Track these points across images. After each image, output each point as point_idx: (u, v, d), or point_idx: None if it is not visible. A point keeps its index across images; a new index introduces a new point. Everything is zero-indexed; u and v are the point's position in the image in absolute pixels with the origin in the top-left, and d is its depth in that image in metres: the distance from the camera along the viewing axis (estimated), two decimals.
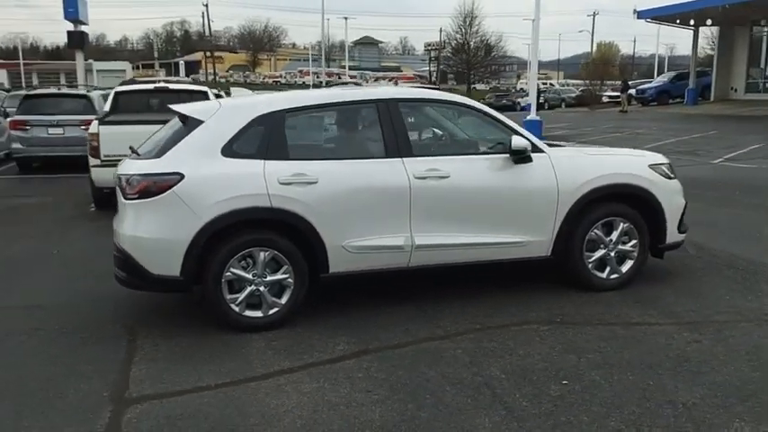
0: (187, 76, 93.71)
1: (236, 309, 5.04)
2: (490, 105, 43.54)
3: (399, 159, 5.29)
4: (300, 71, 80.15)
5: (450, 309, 5.48)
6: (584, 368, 4.33)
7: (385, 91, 5.83)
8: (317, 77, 70.13)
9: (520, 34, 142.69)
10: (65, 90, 17.22)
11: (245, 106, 5.38)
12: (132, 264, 4.97)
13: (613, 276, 5.88)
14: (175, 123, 5.38)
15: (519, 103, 52.77)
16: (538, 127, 23.50)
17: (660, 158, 6.17)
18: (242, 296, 5.03)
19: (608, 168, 5.79)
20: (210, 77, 76.71)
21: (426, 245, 5.35)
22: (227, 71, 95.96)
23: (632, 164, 5.96)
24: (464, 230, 5.44)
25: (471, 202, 5.44)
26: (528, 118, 24.09)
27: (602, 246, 5.81)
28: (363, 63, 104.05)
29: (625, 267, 5.90)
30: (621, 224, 5.81)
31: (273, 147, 5.13)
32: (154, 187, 4.89)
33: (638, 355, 4.52)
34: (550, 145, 6.01)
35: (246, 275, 5.03)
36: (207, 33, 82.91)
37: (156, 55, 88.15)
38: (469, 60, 60.92)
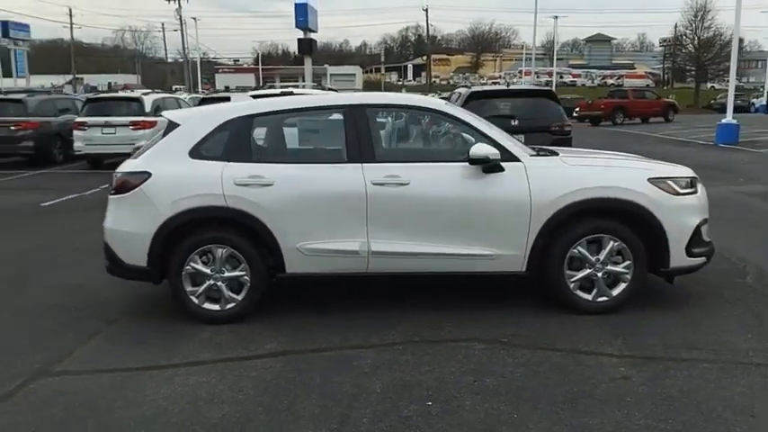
0: (414, 78, 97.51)
1: (196, 301, 5.38)
2: (721, 106, 38.65)
3: (359, 165, 5.28)
4: (521, 71, 79.35)
5: (407, 318, 5.35)
6: (466, 392, 4.06)
7: (354, 96, 5.80)
8: (537, 77, 69.10)
9: (761, 27, 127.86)
10: (231, 94, 18.92)
11: (219, 111, 5.69)
12: (111, 253, 5.51)
13: (601, 299, 5.33)
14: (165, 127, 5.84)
15: (753, 103, 47.78)
16: (734, 131, 21.32)
17: (673, 172, 5.45)
18: (200, 289, 5.35)
19: (593, 181, 5.25)
20: (431, 80, 78.89)
21: (383, 251, 5.28)
22: (452, 73, 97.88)
23: (624, 177, 5.32)
24: (426, 239, 5.28)
25: (432, 211, 5.25)
26: (723, 121, 21.88)
27: (587, 265, 5.30)
28: (593, 61, 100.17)
29: (617, 290, 5.33)
30: (611, 242, 5.25)
31: (236, 150, 5.39)
32: (127, 184, 5.39)
33: (542, 386, 4.12)
34: (541, 152, 5.58)
35: (205, 270, 5.34)
36: (429, 37, 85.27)
37: (382, 59, 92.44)
38: (700, 57, 55.93)
